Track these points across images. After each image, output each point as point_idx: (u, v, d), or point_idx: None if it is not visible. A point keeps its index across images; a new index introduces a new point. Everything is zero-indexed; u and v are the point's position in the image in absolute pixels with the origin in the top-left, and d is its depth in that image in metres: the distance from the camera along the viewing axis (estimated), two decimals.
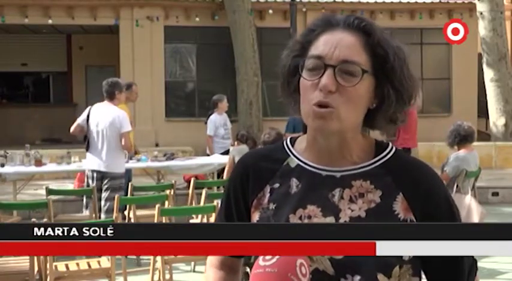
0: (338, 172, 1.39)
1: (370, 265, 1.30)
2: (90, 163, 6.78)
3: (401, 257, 1.33)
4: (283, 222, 1.38)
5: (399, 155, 1.43)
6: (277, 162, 1.46)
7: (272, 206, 1.42)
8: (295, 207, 1.39)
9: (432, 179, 1.40)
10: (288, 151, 1.47)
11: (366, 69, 1.33)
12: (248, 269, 5.08)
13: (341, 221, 1.35)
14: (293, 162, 1.44)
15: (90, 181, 6.77)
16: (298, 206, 1.38)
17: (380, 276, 1.32)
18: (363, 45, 1.34)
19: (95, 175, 6.71)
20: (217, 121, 9.28)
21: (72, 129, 6.95)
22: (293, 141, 1.49)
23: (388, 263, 1.32)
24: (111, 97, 6.83)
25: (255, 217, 1.43)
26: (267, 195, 1.43)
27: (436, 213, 1.36)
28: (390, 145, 1.44)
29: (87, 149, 6.79)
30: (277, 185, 1.43)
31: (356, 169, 1.39)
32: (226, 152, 8.82)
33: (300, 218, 1.37)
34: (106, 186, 6.66)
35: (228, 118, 9.57)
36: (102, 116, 6.70)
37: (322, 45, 1.35)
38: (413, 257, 1.35)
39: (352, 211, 1.36)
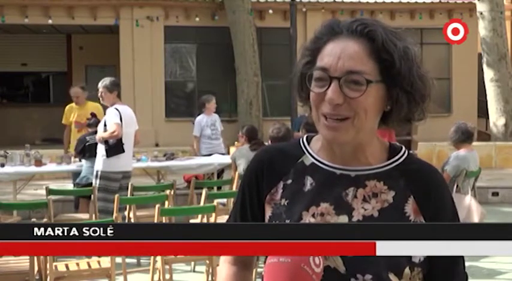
0: (353, 171, 1.41)
1: (381, 264, 1.31)
2: (121, 164, 6.65)
3: (411, 259, 1.35)
4: (296, 218, 1.39)
5: (412, 158, 1.45)
6: (292, 159, 1.47)
7: (284, 202, 1.43)
8: (308, 204, 1.40)
9: (441, 184, 1.43)
10: (303, 148, 1.48)
11: (371, 79, 1.32)
12: None
13: (354, 219, 1.37)
14: (308, 160, 1.46)
15: (110, 183, 6.60)
16: (312, 204, 1.40)
17: (392, 276, 1.33)
18: (367, 53, 1.33)
19: (119, 176, 6.67)
20: (204, 122, 9.23)
21: (119, 132, 6.47)
22: (309, 139, 1.50)
23: (398, 263, 1.33)
24: (119, 97, 6.84)
25: (268, 212, 1.45)
26: (280, 191, 1.44)
27: (442, 216, 1.39)
28: (403, 148, 1.46)
29: (113, 152, 6.57)
30: (290, 181, 1.44)
31: (370, 170, 1.41)
32: (213, 153, 8.94)
33: (313, 215, 1.39)
34: (126, 185, 6.62)
35: (218, 119, 9.43)
36: (131, 117, 6.80)
37: (327, 56, 1.34)
38: (424, 260, 1.36)
39: (366, 210, 1.37)
